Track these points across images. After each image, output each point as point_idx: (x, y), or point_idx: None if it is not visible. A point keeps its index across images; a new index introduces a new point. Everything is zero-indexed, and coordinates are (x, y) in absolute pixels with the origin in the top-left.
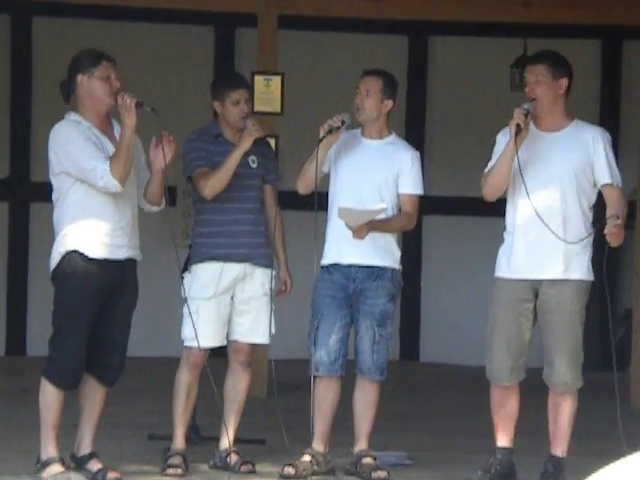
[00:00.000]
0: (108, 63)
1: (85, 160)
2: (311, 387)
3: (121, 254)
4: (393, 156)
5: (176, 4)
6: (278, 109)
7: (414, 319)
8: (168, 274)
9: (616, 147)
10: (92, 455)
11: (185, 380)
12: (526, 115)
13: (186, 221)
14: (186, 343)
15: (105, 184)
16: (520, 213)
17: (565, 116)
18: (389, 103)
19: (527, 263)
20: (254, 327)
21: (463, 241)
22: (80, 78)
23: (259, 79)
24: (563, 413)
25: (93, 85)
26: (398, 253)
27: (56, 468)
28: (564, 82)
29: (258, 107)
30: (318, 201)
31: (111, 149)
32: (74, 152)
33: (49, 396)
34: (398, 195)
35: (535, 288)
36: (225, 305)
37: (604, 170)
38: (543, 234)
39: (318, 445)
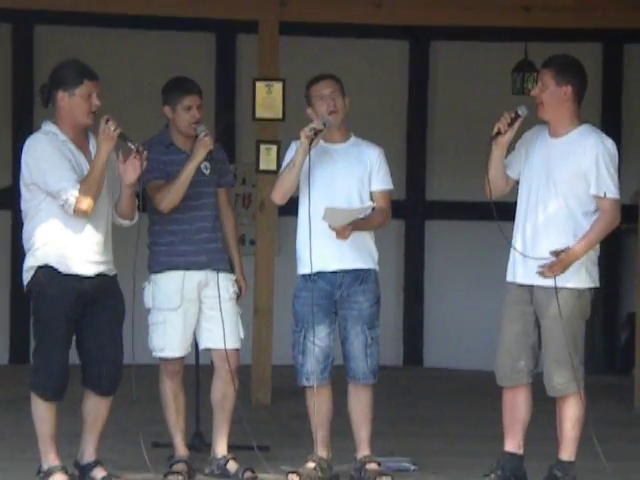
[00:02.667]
0: (90, 82)
1: (54, 180)
2: (307, 397)
3: (92, 270)
4: (362, 156)
5: (177, 11)
6: (280, 115)
7: (417, 324)
8: None
9: (618, 151)
10: (96, 463)
11: (169, 389)
12: (514, 118)
13: None
14: (155, 354)
15: (66, 210)
16: (517, 220)
17: (571, 122)
18: (347, 101)
19: (524, 268)
20: (225, 332)
21: (465, 245)
22: (61, 95)
23: (260, 85)
24: (565, 417)
25: (73, 103)
26: (377, 254)
27: (59, 477)
28: (568, 89)
29: (260, 113)
30: (286, 207)
31: (85, 165)
32: (46, 169)
33: (39, 408)
34: (370, 193)
35: (532, 293)
36: (192, 314)
37: (592, 180)
38: (535, 240)
39: (321, 451)
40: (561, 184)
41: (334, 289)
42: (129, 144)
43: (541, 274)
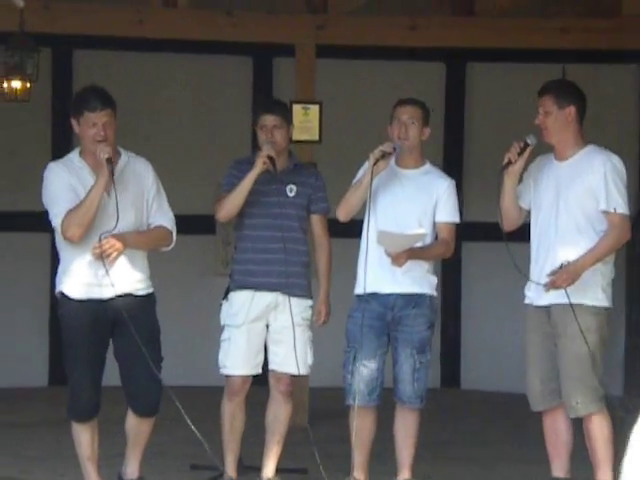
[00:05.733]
0: (90, 113)
1: (50, 208)
2: (350, 417)
3: (109, 292)
4: (431, 185)
5: (214, 35)
6: (316, 137)
7: (455, 346)
8: (207, 303)
9: None
10: None
11: (227, 408)
12: (524, 148)
13: (226, 249)
14: (220, 371)
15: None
16: (532, 245)
17: (576, 143)
18: (427, 131)
19: (540, 291)
20: (289, 357)
21: (503, 267)
22: (72, 121)
23: (297, 108)
24: (593, 437)
25: (81, 131)
26: (435, 280)
27: None
28: (571, 110)
29: (296, 136)
30: (353, 229)
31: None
32: (46, 197)
33: (74, 430)
34: (435, 223)
35: (549, 314)
36: (257, 334)
37: (602, 197)
38: (550, 263)
39: (359, 474)
40: (572, 205)
41: (387, 310)
42: (110, 169)
43: (551, 286)
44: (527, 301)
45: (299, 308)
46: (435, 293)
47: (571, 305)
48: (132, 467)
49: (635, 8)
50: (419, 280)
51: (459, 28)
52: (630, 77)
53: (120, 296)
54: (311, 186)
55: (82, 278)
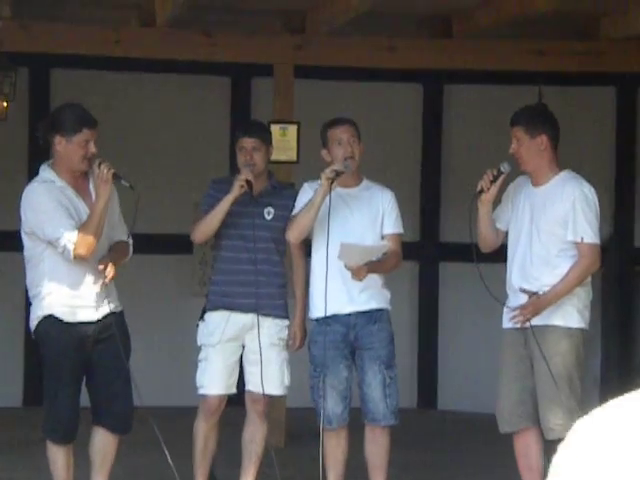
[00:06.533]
0: (89, 130)
1: (51, 229)
2: (321, 439)
3: (97, 315)
4: (375, 199)
5: (192, 55)
6: (294, 158)
7: (431, 367)
8: (184, 323)
9: (633, 196)
10: None
11: (200, 428)
12: (497, 175)
13: (203, 269)
14: (198, 391)
15: (65, 256)
16: (508, 268)
17: (550, 170)
18: (362, 147)
19: (514, 311)
20: (265, 377)
21: (481, 288)
22: (58, 139)
23: (275, 128)
24: None
25: (69, 149)
26: (389, 294)
27: None
28: (543, 139)
29: (274, 156)
30: (307, 250)
31: (84, 210)
32: (43, 219)
33: (51, 451)
34: (382, 236)
35: (526, 335)
36: (232, 353)
37: (570, 226)
38: (523, 283)
39: None
40: (544, 233)
41: (349, 330)
42: (123, 182)
43: (515, 321)
44: (504, 325)
45: (275, 328)
46: (390, 307)
47: (531, 327)
48: None
49: (613, 31)
50: (376, 296)
51: (436, 50)
52: (607, 100)
53: (106, 316)
54: (289, 208)
55: (74, 301)
